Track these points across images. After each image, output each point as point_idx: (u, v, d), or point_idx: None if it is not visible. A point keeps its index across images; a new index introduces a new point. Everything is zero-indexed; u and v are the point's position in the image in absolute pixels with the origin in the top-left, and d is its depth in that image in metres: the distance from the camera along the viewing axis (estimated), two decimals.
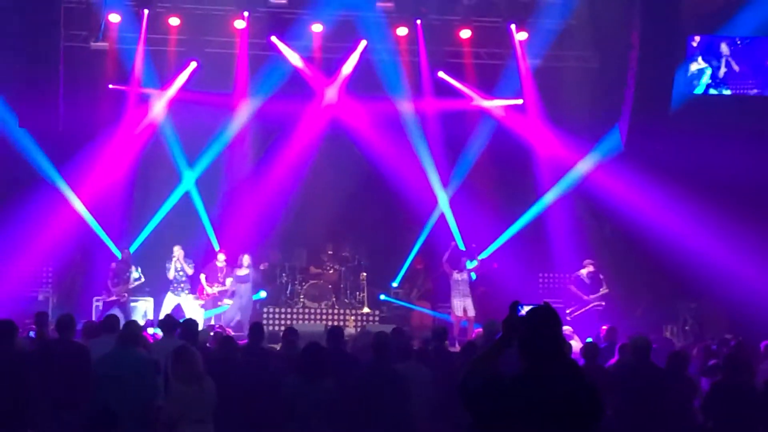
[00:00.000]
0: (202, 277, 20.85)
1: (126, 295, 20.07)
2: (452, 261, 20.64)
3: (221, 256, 20.97)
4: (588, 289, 20.20)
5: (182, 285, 20.47)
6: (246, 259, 20.93)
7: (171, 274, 20.50)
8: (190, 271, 20.55)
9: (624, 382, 10.62)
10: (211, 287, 20.76)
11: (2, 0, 19.36)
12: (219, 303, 20.90)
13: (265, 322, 20.22)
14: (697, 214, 20.15)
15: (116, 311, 18.44)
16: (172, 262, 20.49)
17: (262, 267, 21.33)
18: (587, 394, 5.47)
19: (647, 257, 21.43)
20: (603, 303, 20.07)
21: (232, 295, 20.85)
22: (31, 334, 13.08)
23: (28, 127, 20.15)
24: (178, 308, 19.71)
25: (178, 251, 20.52)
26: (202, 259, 21.38)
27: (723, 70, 21.00)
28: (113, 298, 19.83)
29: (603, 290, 20.16)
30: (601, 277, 20.29)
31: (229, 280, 20.81)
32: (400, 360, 10.79)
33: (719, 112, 20.91)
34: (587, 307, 19.93)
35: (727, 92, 21.03)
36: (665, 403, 10.36)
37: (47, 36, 19.22)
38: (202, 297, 20.69)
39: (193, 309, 20.12)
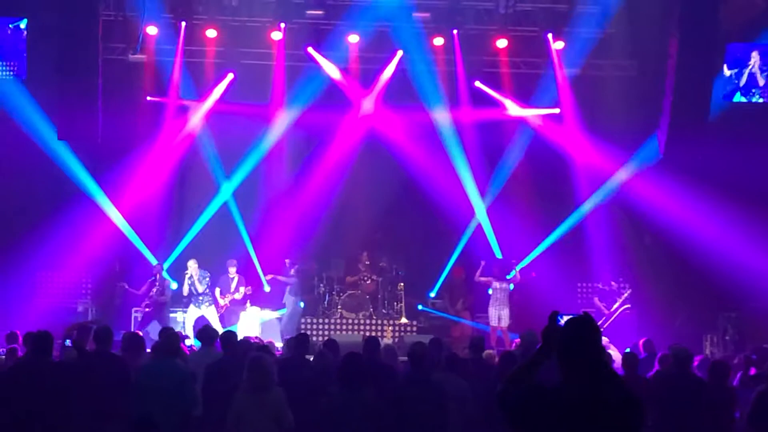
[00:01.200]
0: (217, 291, 20.81)
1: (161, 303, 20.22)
2: (494, 271, 20.67)
3: (232, 269, 20.88)
4: (610, 300, 20.30)
5: (201, 297, 20.37)
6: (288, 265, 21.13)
7: (185, 290, 20.40)
8: (200, 288, 20.25)
9: (665, 392, 10.54)
10: (223, 299, 20.72)
11: (41, 14, 19.55)
12: (239, 313, 20.90)
13: (303, 331, 20.22)
14: (735, 223, 20.01)
15: (155, 324, 18.60)
16: (185, 278, 20.39)
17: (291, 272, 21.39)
18: (628, 405, 5.41)
19: (686, 266, 21.25)
20: (629, 306, 20.09)
21: (243, 302, 20.96)
22: (68, 343, 13.12)
23: (67, 139, 20.31)
24: (201, 320, 19.73)
25: (192, 265, 20.47)
26: (239, 270, 21.34)
27: (761, 80, 20.81)
28: (145, 305, 20.05)
29: (625, 294, 20.22)
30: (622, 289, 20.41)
31: (242, 289, 20.79)
32: (438, 371, 10.76)
33: (757, 121, 20.77)
34: (614, 316, 19.94)
35: (760, 100, 20.84)
36: (707, 414, 10.27)
37: (86, 49, 19.35)
38: (218, 309, 20.66)
39: (215, 321, 20.10)
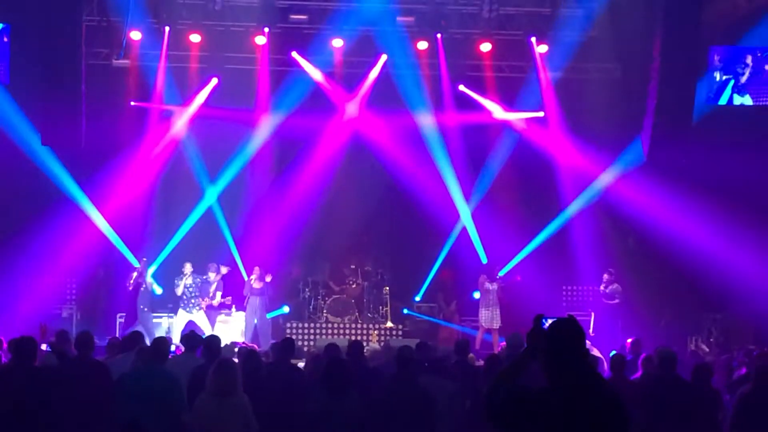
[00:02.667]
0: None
1: (143, 308, 20.21)
2: (485, 272, 20.76)
3: (212, 274, 20.79)
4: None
5: (192, 302, 20.40)
6: (256, 271, 21.02)
7: (180, 291, 20.41)
8: (191, 290, 20.44)
9: (650, 394, 10.54)
10: (202, 302, 20.68)
11: (24, 18, 19.48)
12: (217, 317, 20.87)
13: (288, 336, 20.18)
14: (719, 225, 20.08)
15: (139, 328, 18.51)
16: (182, 279, 20.42)
17: (267, 279, 21.21)
18: (613, 407, 5.42)
19: (670, 268, 21.32)
20: (616, 299, 20.13)
21: (219, 308, 20.91)
22: (44, 347, 13.08)
23: (50, 144, 20.22)
24: (191, 324, 19.72)
25: (189, 268, 20.49)
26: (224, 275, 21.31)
27: (745, 79, 20.88)
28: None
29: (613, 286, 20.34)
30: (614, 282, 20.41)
31: (218, 295, 20.74)
32: (424, 374, 10.75)
33: (741, 123, 20.86)
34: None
35: (749, 102, 20.90)
36: (691, 416, 10.28)
37: (69, 54, 19.29)
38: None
39: (206, 325, 20.10)
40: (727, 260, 19.92)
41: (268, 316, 21.15)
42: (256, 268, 21.06)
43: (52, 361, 11.34)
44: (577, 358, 5.47)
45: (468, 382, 11.21)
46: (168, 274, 21.16)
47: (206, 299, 20.58)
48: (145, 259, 20.75)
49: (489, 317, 20.45)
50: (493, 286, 20.61)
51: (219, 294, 20.69)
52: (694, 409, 10.34)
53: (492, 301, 20.54)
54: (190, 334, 12.69)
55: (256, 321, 20.77)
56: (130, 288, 20.20)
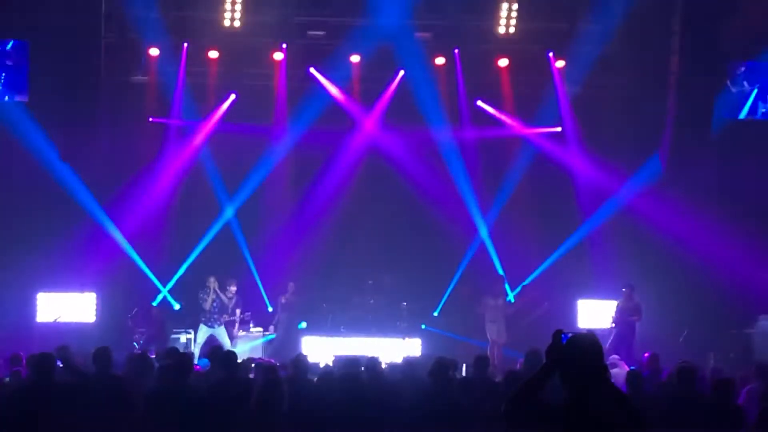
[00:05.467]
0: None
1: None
2: (490, 288, 20.78)
3: (232, 288, 20.84)
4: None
5: (215, 317, 20.41)
6: (291, 287, 21.11)
7: (208, 305, 20.40)
8: (225, 303, 20.53)
9: (669, 410, 10.49)
10: (222, 317, 20.70)
11: (43, 35, 19.59)
12: (236, 334, 20.91)
13: (305, 352, 20.18)
14: (738, 240, 19.99)
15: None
16: (209, 293, 20.44)
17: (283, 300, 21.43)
18: (631, 423, 5.41)
19: (690, 284, 21.22)
20: (634, 316, 20.02)
21: (241, 324, 21.02)
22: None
23: (70, 160, 20.32)
24: (211, 339, 19.74)
25: (214, 283, 20.53)
26: (242, 290, 21.34)
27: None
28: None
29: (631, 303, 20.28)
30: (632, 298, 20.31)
31: (237, 312, 20.83)
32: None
33: (761, 138, 20.77)
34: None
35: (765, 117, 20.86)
36: None
37: (88, 70, 19.43)
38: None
39: (226, 341, 20.12)
40: (746, 275, 19.86)
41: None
42: (291, 284, 21.29)
43: (65, 377, 11.33)
44: (597, 373, 5.47)
45: (487, 396, 11.18)
46: (186, 290, 21.16)
47: (225, 315, 20.62)
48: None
49: (493, 330, 20.50)
50: (497, 302, 20.68)
51: (238, 311, 20.77)
52: (715, 425, 10.27)
53: (498, 315, 20.58)
54: (213, 351, 12.75)
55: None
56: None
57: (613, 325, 20.10)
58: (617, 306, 20.29)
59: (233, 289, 20.73)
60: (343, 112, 22.44)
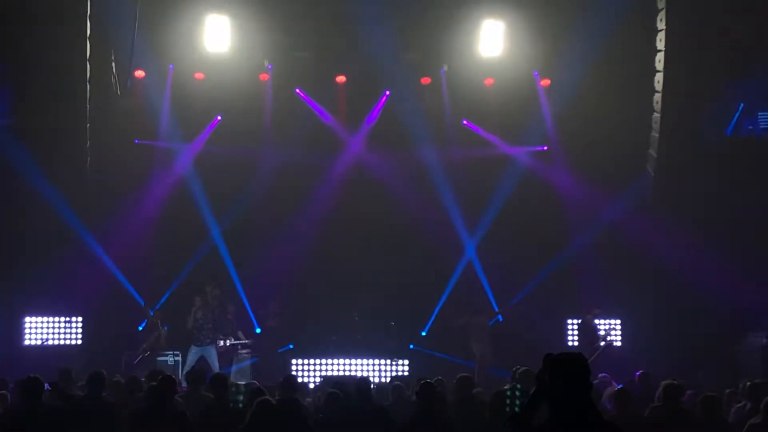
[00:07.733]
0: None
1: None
2: (477, 307, 20.82)
3: (231, 308, 20.87)
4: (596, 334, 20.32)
5: (202, 334, 20.26)
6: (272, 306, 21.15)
7: (189, 324, 20.25)
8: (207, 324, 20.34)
9: (657, 428, 10.47)
10: (222, 341, 20.63)
11: (30, 56, 19.52)
12: (238, 355, 20.84)
13: (293, 373, 20.10)
14: (727, 258, 20.02)
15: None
16: (192, 312, 20.33)
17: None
18: None
19: (678, 301, 21.25)
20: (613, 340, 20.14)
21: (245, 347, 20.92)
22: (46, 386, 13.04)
23: (55, 182, 20.23)
24: (202, 360, 19.66)
25: (198, 302, 20.42)
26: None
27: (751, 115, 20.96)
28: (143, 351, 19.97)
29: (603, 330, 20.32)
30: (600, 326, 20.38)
31: (239, 333, 20.81)
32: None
33: (750, 155, 20.83)
34: (598, 353, 19.84)
35: (751, 135, 20.94)
36: None
37: (74, 92, 19.38)
38: (218, 350, 20.58)
39: (215, 362, 20.02)
40: (735, 292, 19.89)
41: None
42: (272, 303, 21.46)
43: (53, 400, 11.28)
44: (578, 392, 5.46)
45: (472, 417, 11.15)
46: (173, 313, 21.06)
47: (229, 338, 20.57)
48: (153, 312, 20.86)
49: (477, 350, 20.69)
50: (480, 321, 20.87)
51: (240, 332, 20.77)
52: None
53: (479, 335, 20.72)
54: (193, 372, 12.71)
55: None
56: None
57: (602, 343, 20.14)
58: (596, 325, 20.45)
59: (231, 309, 20.74)
60: (329, 132, 22.45)
